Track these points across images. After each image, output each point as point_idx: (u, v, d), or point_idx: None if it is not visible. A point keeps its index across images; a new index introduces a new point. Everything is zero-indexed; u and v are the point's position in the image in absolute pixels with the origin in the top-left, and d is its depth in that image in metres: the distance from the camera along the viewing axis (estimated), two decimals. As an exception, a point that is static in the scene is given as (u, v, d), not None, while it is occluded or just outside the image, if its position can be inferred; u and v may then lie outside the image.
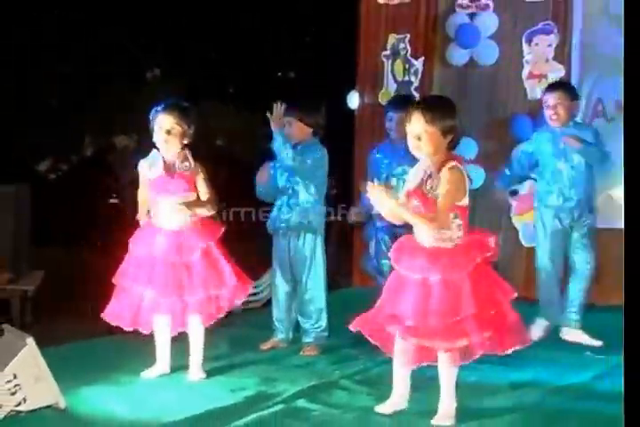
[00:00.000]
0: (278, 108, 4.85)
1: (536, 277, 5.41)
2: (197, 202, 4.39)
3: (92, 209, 11.21)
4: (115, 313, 4.37)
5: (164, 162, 4.41)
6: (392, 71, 7.30)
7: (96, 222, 10.61)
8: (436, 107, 3.66)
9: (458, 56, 7.03)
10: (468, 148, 6.71)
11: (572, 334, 5.30)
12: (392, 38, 7.32)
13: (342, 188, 7.35)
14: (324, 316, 5.10)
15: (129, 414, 3.81)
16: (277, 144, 4.88)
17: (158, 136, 4.37)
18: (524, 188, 6.62)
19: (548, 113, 5.27)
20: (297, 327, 5.21)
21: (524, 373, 4.52)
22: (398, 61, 7.28)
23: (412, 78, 7.21)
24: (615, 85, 6.48)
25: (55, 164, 12.91)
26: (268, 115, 4.86)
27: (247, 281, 4.56)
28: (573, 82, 6.56)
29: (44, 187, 11.35)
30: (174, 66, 12.31)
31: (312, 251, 5.07)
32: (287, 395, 4.09)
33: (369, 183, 3.65)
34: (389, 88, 7.31)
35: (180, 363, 4.50)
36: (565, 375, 4.53)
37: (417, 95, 7.10)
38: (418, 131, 3.61)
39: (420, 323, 3.58)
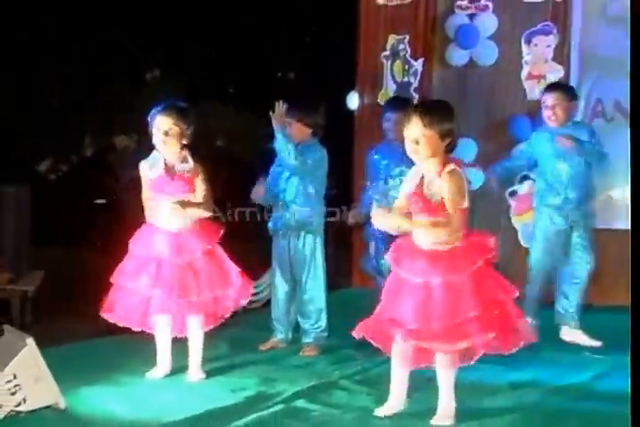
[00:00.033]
0: (280, 106, 4.86)
1: (528, 275, 5.39)
2: (191, 202, 4.39)
3: (92, 209, 11.21)
4: (122, 315, 4.37)
5: (165, 163, 4.42)
6: (391, 72, 7.30)
7: (96, 222, 10.60)
8: (434, 110, 3.66)
9: (457, 57, 7.04)
10: (468, 148, 6.72)
11: (571, 335, 5.32)
12: (391, 39, 7.32)
13: (342, 188, 7.35)
14: (324, 316, 5.11)
15: (129, 415, 3.82)
16: (279, 143, 4.88)
17: (157, 137, 4.38)
18: (524, 188, 6.63)
19: (546, 113, 5.28)
20: (296, 328, 5.22)
21: (523, 373, 4.53)
22: (398, 62, 7.28)
23: (412, 79, 7.22)
24: (614, 86, 6.50)
25: (55, 164, 12.90)
26: (271, 114, 4.87)
27: (249, 281, 4.58)
28: (572, 82, 6.58)
29: (44, 187, 11.35)
30: (174, 66, 12.31)
31: (312, 251, 5.07)
32: (287, 395, 4.10)
33: (374, 211, 3.66)
34: (389, 89, 7.32)
35: (179, 364, 4.50)
36: (565, 375, 4.54)
37: (416, 96, 7.13)
38: (416, 134, 3.61)
39: (422, 326, 3.57)
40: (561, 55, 6.78)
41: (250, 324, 5.54)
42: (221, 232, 4.48)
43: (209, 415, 3.80)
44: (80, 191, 11.40)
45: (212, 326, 4.52)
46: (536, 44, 6.82)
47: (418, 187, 3.68)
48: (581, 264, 5.30)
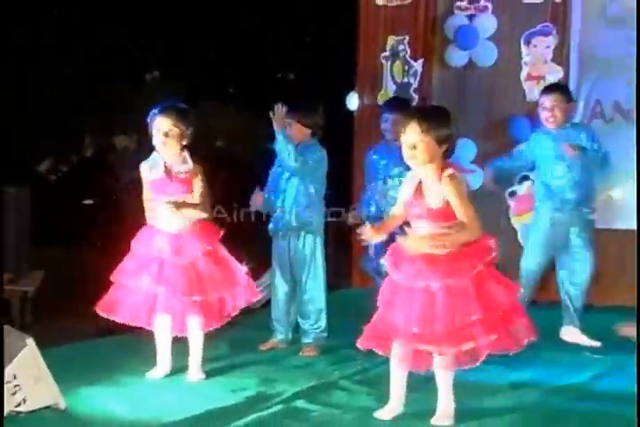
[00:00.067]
0: (280, 108, 4.87)
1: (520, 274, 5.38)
2: (187, 203, 4.38)
3: (92, 209, 11.20)
4: (127, 314, 4.37)
5: (165, 164, 4.43)
6: (391, 72, 7.31)
7: (96, 222, 10.59)
8: (432, 116, 3.66)
9: (457, 57, 7.05)
10: (467, 149, 6.73)
11: (571, 335, 5.32)
12: (391, 40, 7.33)
13: (342, 189, 7.34)
14: (324, 316, 5.11)
15: (129, 415, 3.82)
16: (279, 144, 4.89)
17: (157, 139, 4.39)
18: (523, 189, 6.64)
19: (544, 115, 5.28)
20: (296, 328, 5.23)
21: (523, 373, 4.55)
22: (397, 63, 7.29)
23: (412, 80, 7.23)
24: (613, 87, 6.52)
25: (55, 164, 12.89)
26: (271, 115, 4.88)
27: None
28: (572, 83, 6.59)
29: (45, 187, 11.34)
30: (174, 66, 12.30)
31: (312, 251, 5.08)
32: (286, 395, 4.11)
33: (363, 228, 3.70)
34: (388, 89, 7.33)
35: (179, 364, 4.51)
36: (565, 376, 4.55)
37: (416, 97, 7.14)
38: (413, 140, 3.61)
39: (425, 330, 3.57)
40: (560, 56, 6.79)
41: (250, 324, 5.55)
42: (221, 233, 4.49)
43: (209, 415, 3.81)
44: (80, 192, 11.40)
45: (216, 327, 4.52)
46: (535, 45, 6.83)
47: (416, 193, 3.69)
48: (582, 265, 5.30)
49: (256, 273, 5.21)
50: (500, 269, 3.74)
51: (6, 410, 3.60)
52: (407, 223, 3.76)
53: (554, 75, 6.74)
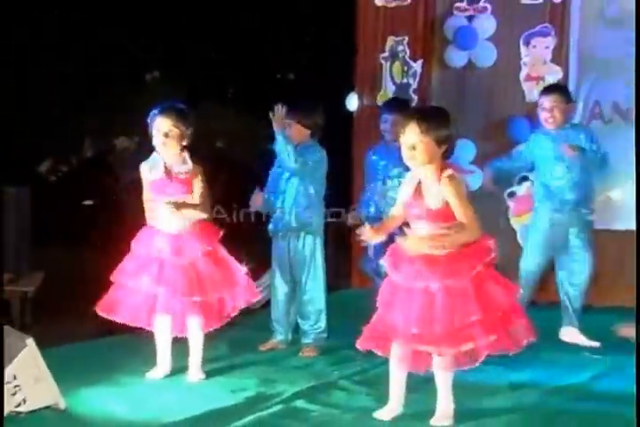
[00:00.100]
0: (280, 109, 4.88)
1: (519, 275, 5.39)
2: (186, 204, 4.39)
3: (92, 209, 11.21)
4: (127, 314, 4.38)
5: (165, 165, 4.44)
6: (391, 73, 7.31)
7: (96, 223, 10.60)
8: (431, 117, 3.66)
9: (456, 58, 7.05)
10: (466, 149, 6.73)
11: (571, 335, 5.33)
12: (390, 40, 7.33)
13: (342, 189, 7.35)
14: (324, 317, 5.12)
15: (129, 415, 3.83)
16: (279, 145, 4.90)
17: (157, 139, 4.40)
18: (522, 189, 6.64)
19: (543, 116, 5.28)
20: (296, 329, 5.23)
21: (523, 373, 4.55)
22: (397, 63, 7.29)
23: (411, 80, 7.23)
24: (612, 87, 6.52)
25: (55, 164, 12.90)
26: (271, 116, 4.89)
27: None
28: (571, 84, 6.59)
29: (44, 187, 11.35)
30: (174, 66, 12.30)
31: (312, 252, 5.09)
32: (286, 396, 4.12)
33: (362, 229, 3.71)
34: (388, 90, 7.33)
35: (179, 364, 4.52)
36: (564, 376, 4.56)
37: (415, 97, 7.14)
38: (413, 141, 3.62)
39: (425, 330, 3.58)
40: (559, 57, 6.79)
41: (249, 325, 5.55)
42: (221, 234, 4.50)
43: (209, 416, 3.82)
44: (80, 192, 11.41)
45: (216, 327, 4.53)
46: (534, 46, 6.83)
47: (415, 193, 3.69)
48: (581, 265, 5.31)
49: (256, 274, 5.22)
50: (499, 270, 3.75)
51: (6, 410, 3.61)
52: (406, 224, 3.77)
53: (553, 75, 6.75)
